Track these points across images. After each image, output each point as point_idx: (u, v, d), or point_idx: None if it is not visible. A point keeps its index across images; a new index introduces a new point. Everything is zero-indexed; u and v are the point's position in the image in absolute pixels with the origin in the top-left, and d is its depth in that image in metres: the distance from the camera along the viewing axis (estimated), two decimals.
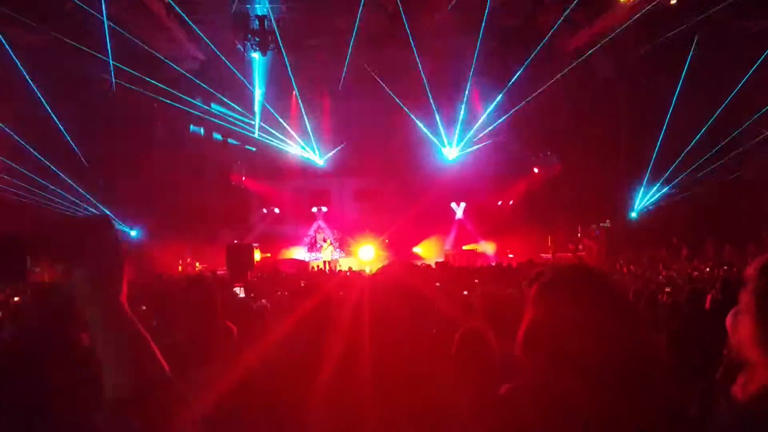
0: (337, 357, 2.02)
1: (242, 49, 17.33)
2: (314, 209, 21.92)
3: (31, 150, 14.55)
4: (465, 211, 22.11)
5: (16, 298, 7.33)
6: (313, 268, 19.18)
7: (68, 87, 15.30)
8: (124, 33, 14.65)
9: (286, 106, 20.55)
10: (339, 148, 21.71)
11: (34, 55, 14.28)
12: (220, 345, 2.65)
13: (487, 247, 20.96)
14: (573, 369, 1.23)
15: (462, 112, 20.74)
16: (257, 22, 16.57)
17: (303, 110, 20.42)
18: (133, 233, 18.13)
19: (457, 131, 21.35)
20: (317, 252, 21.16)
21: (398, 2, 15.23)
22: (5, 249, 0.99)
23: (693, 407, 2.54)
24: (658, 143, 17.37)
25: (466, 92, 20.07)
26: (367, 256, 20.84)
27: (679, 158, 17.11)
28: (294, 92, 19.62)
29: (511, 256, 19.26)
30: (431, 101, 19.90)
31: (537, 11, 16.33)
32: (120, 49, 15.12)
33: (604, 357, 1.22)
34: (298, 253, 21.43)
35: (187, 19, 15.37)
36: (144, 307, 6.36)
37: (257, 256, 16.00)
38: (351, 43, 16.97)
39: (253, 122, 20.07)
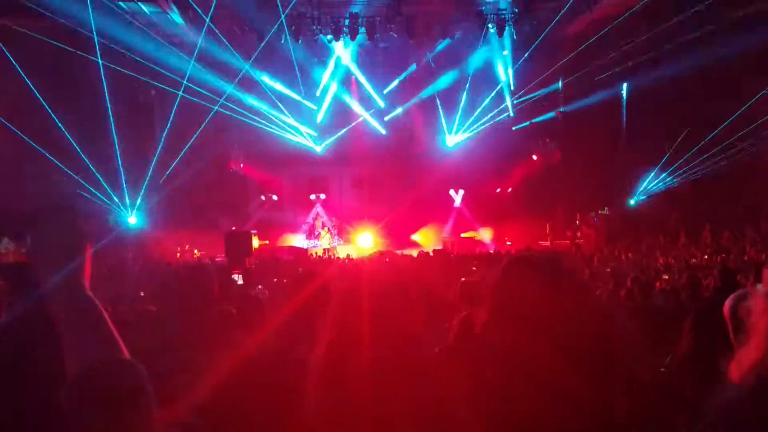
0: (334, 341, 2.03)
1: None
2: (312, 196, 21.90)
3: (29, 140, 14.45)
4: (463, 199, 22.10)
5: None
6: (311, 255, 19.20)
7: (67, 71, 15.16)
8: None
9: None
10: (338, 134, 21.68)
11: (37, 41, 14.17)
12: (218, 330, 2.65)
13: (486, 235, 20.98)
14: (532, 331, 1.36)
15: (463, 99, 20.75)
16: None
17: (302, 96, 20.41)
18: (132, 221, 18.10)
19: (458, 119, 21.34)
20: (315, 239, 21.17)
21: None
22: None
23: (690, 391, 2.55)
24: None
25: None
26: (365, 243, 20.86)
27: (675, 144, 17.09)
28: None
29: (509, 243, 19.30)
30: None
31: None
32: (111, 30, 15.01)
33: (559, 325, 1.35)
34: (297, 240, 21.44)
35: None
36: (142, 294, 6.38)
37: (255, 243, 16.02)
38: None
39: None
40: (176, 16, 16.20)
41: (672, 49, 15.77)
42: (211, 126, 18.47)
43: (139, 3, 15.58)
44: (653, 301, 5.64)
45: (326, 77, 20.73)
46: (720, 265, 7.23)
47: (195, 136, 18.08)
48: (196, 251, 18.44)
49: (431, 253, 14.85)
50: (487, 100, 20.71)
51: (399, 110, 21.58)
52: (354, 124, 21.79)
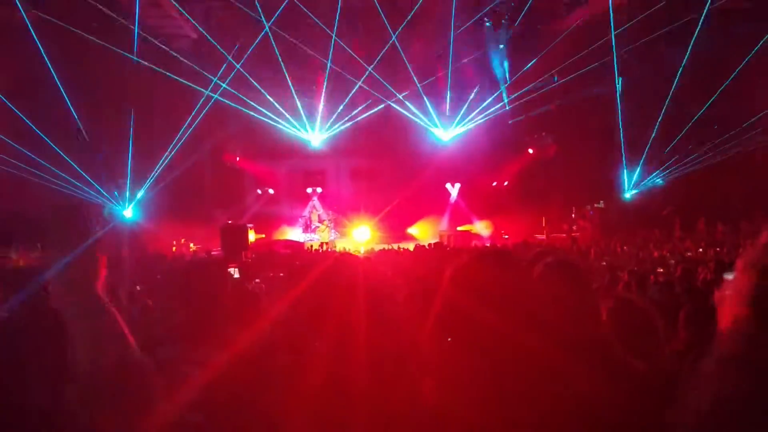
0: (331, 336, 2.04)
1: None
2: (309, 190, 21.86)
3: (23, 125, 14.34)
4: (460, 192, 22.12)
5: None
6: (308, 248, 19.20)
7: (70, 61, 15.05)
8: None
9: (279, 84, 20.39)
10: (334, 127, 21.60)
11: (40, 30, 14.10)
12: (220, 325, 2.66)
13: (482, 228, 21.02)
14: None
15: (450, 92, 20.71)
16: None
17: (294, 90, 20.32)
18: (128, 214, 18.04)
19: (453, 112, 21.29)
20: (312, 233, 21.15)
21: None
22: None
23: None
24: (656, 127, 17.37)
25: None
26: (362, 236, 20.86)
27: (674, 140, 17.14)
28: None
29: (505, 236, 19.35)
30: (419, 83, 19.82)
31: None
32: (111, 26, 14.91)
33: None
34: (293, 233, 21.42)
35: None
36: (138, 287, 6.37)
37: (252, 236, 16.00)
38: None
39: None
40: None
41: (668, 41, 15.79)
42: (206, 119, 18.39)
43: None
44: (648, 293, 5.67)
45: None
46: (714, 258, 7.28)
47: (191, 128, 18.00)
48: (192, 245, 18.41)
49: (428, 247, 14.84)
50: (484, 95, 20.68)
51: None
52: (350, 116, 21.71)
